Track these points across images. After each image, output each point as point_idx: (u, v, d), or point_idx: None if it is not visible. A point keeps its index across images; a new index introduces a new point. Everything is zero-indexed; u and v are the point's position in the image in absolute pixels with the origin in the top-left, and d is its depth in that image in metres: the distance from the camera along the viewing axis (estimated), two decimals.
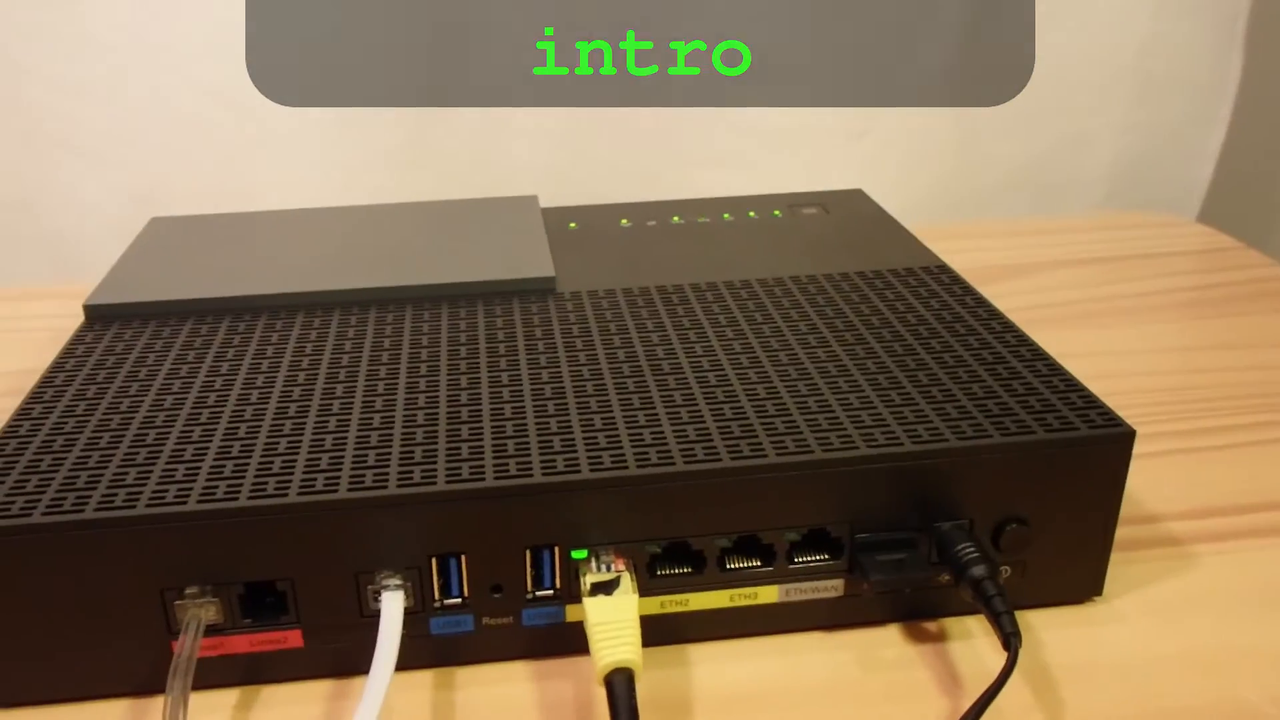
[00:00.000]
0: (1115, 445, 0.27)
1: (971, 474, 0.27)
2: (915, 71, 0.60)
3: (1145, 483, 0.33)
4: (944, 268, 0.38)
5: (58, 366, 0.32)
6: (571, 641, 0.27)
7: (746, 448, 0.27)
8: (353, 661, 0.27)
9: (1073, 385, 0.29)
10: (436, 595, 0.27)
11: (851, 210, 0.44)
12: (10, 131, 0.56)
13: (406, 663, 0.26)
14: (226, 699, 0.27)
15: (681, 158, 0.61)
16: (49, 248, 0.59)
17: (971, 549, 0.26)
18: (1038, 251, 0.54)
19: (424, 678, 0.27)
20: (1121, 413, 0.28)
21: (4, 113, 0.56)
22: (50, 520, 0.25)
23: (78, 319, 0.49)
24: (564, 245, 0.40)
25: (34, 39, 0.55)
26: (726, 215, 0.44)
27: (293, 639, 0.26)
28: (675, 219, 0.43)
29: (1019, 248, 0.54)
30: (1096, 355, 0.43)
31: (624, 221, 0.43)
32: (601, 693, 0.26)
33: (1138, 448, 0.27)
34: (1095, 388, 0.29)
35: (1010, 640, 0.24)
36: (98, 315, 0.36)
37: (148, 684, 0.26)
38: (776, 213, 0.44)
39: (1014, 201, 0.63)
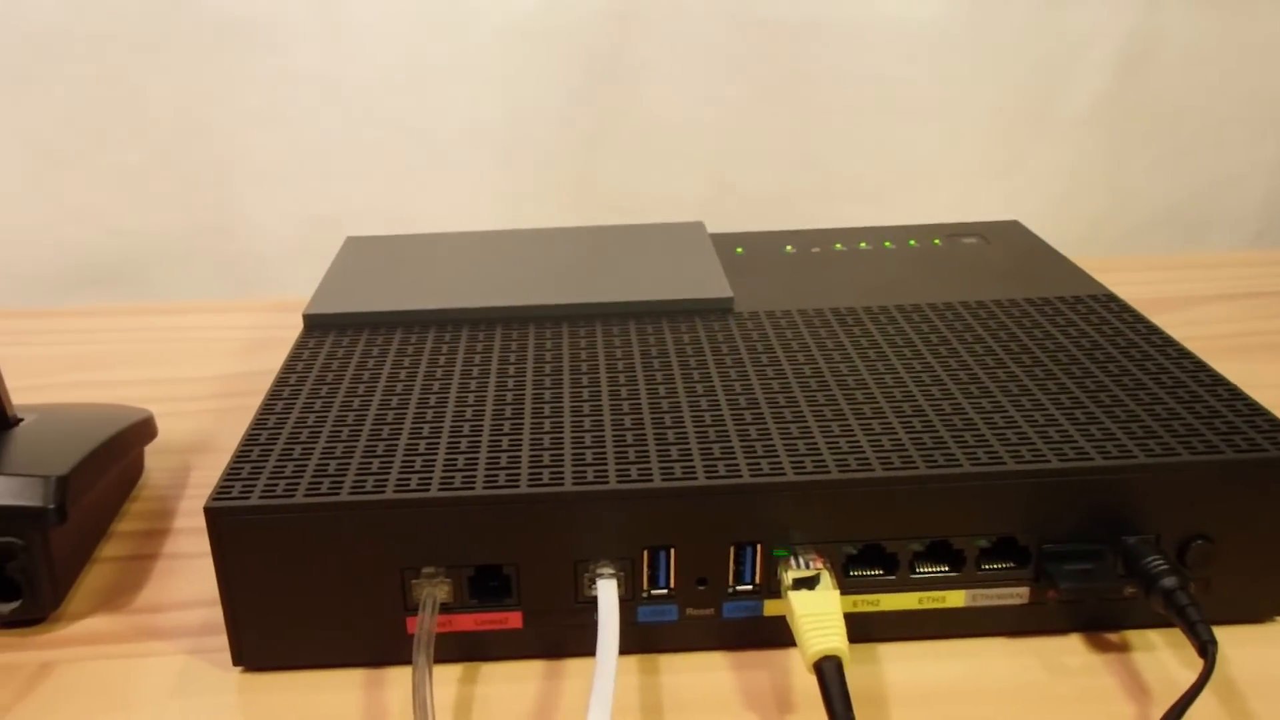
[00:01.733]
0: None
1: (1160, 490, 0.28)
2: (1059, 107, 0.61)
3: None
4: (1112, 296, 0.39)
5: (289, 369, 0.36)
6: (768, 635, 0.29)
7: (940, 457, 0.28)
8: (564, 644, 0.29)
9: (1257, 410, 0.30)
10: (645, 585, 0.29)
11: (1011, 241, 0.45)
12: (198, 157, 0.61)
13: None
14: (451, 673, 0.29)
15: (825, 190, 0.63)
16: (226, 265, 0.64)
17: (1161, 561, 0.27)
18: (1188, 286, 0.54)
19: (629, 663, 0.29)
20: None
21: (194, 139, 0.61)
22: (310, 501, 0.28)
23: (265, 329, 0.54)
24: (734, 268, 0.42)
25: (224, 73, 0.60)
26: (887, 243, 0.45)
27: (513, 620, 0.29)
28: (837, 246, 0.45)
29: (1169, 281, 0.54)
30: (1259, 388, 0.43)
31: (788, 248, 0.45)
32: (799, 683, 0.28)
33: None
34: None
35: (1207, 647, 0.25)
36: (315, 324, 0.39)
37: (381, 656, 0.29)
38: (936, 241, 0.45)
39: (1162, 238, 0.63)
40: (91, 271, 0.62)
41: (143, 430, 0.38)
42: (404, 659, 0.29)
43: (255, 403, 0.45)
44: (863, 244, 0.45)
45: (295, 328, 0.40)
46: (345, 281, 0.42)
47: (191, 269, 0.63)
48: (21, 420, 0.34)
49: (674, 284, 0.40)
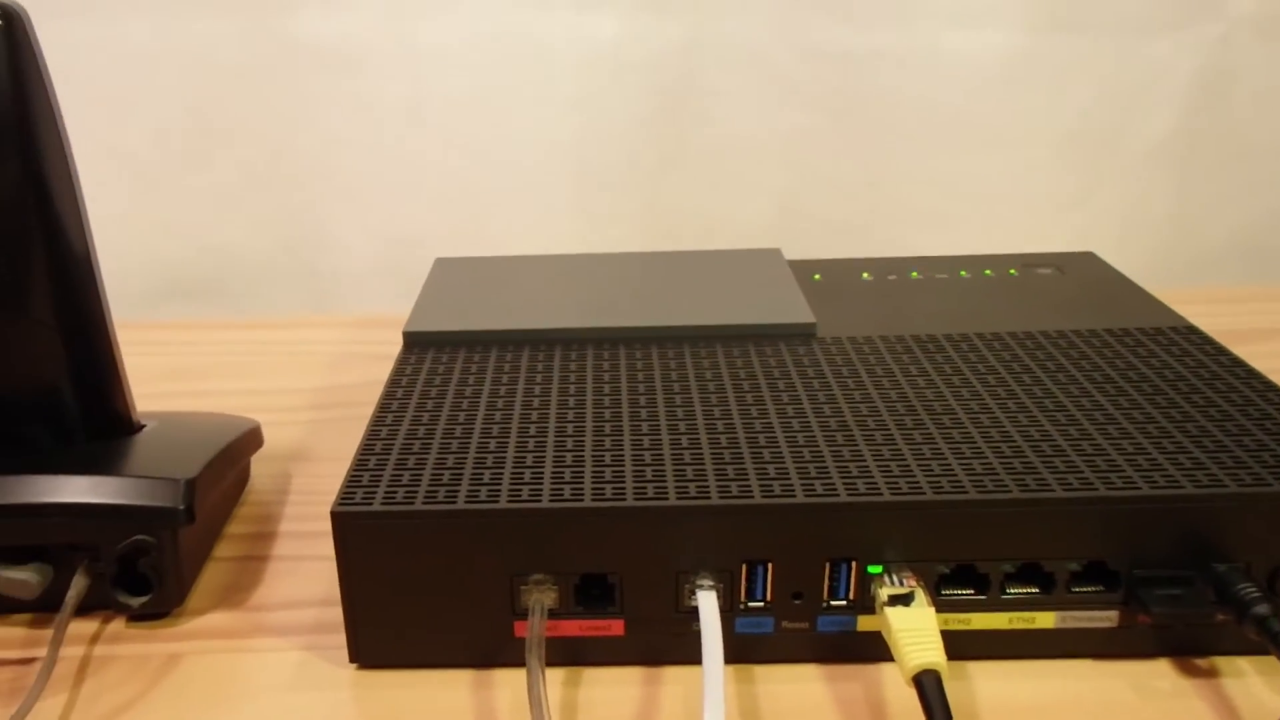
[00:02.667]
0: None
1: (1251, 520, 0.29)
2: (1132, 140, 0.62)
3: None
4: (1192, 328, 0.39)
5: (395, 383, 0.37)
6: (860, 650, 0.30)
7: (1032, 482, 0.29)
8: (663, 652, 0.30)
9: None
10: (742, 598, 0.30)
11: (1087, 271, 0.46)
12: (285, 178, 0.64)
13: None
14: (555, 676, 0.30)
15: (893, 217, 0.64)
16: (308, 282, 0.66)
17: (1253, 589, 0.28)
18: (1263, 318, 0.54)
19: (726, 672, 0.30)
20: None
21: (282, 162, 0.63)
22: (429, 509, 0.29)
23: (352, 344, 0.56)
24: (813, 295, 0.43)
25: (312, 98, 0.62)
26: (963, 272, 0.46)
27: (615, 627, 0.30)
28: (914, 274, 0.46)
29: (1243, 314, 0.54)
30: None
31: (865, 275, 0.47)
32: (893, 695, 0.29)
33: None
34: None
35: None
36: (414, 341, 0.41)
37: (489, 658, 0.30)
38: (1012, 271, 0.46)
39: (1229, 271, 0.63)
40: (182, 286, 0.65)
41: (252, 439, 0.40)
42: (510, 661, 0.30)
43: (349, 414, 0.47)
44: (939, 273, 0.46)
45: (381, 342, 0.42)
46: (440, 301, 0.44)
47: (275, 285, 0.65)
48: (144, 426, 0.36)
49: (758, 309, 0.41)
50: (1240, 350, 0.38)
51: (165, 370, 0.52)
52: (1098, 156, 0.62)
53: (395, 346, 0.41)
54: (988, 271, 0.46)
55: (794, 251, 0.49)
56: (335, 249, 0.65)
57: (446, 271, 0.48)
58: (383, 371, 0.38)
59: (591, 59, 0.61)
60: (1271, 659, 0.28)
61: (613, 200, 0.64)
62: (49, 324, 0.32)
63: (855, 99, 0.62)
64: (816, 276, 0.46)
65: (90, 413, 0.34)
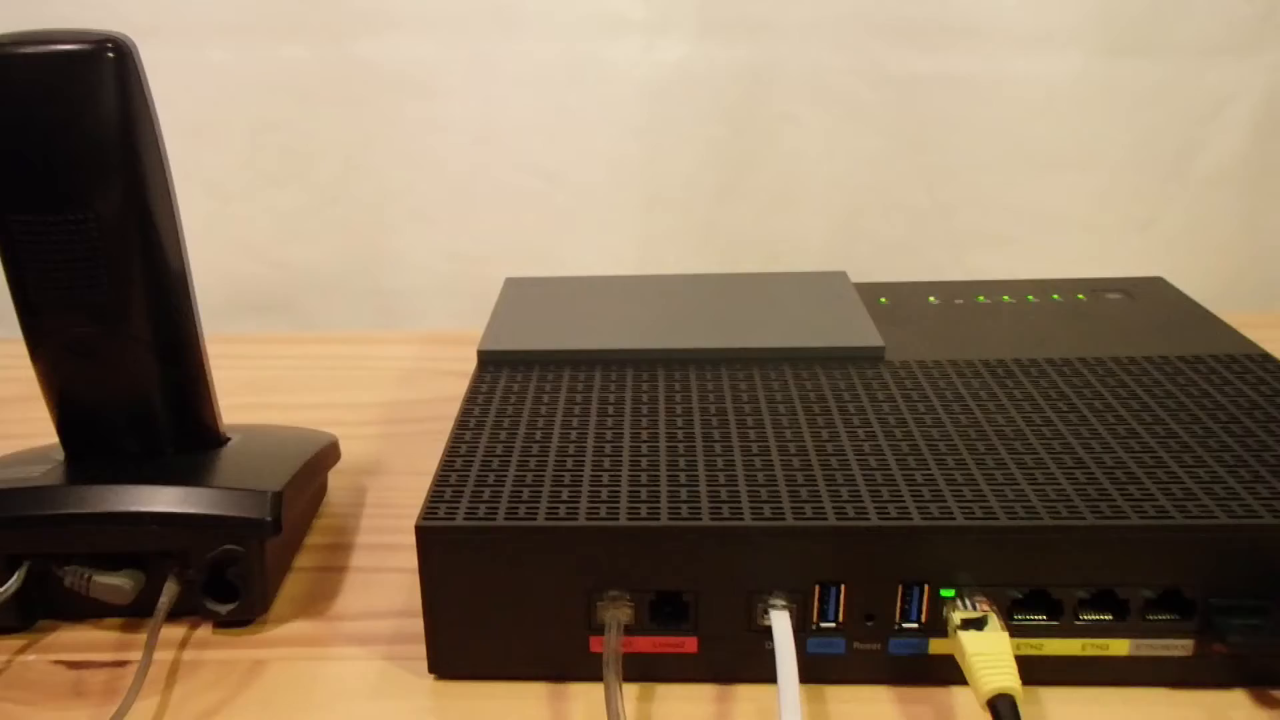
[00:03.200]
0: None
1: None
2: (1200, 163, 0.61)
3: None
4: (1267, 355, 0.39)
5: (471, 400, 0.38)
6: (931, 673, 0.30)
7: (1107, 509, 0.29)
8: (735, 670, 0.31)
9: None
10: (815, 619, 0.30)
11: (1156, 297, 0.46)
12: (355, 198, 0.65)
13: None
14: (628, 691, 0.31)
15: (956, 241, 0.64)
16: (373, 299, 0.68)
17: None
18: None
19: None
20: None
21: (353, 182, 0.65)
22: (510, 525, 0.30)
23: (418, 360, 0.57)
24: (880, 318, 0.44)
25: (382, 121, 0.64)
26: (1030, 297, 0.46)
27: (688, 645, 0.31)
28: (980, 298, 0.47)
29: None
30: None
31: (931, 299, 0.47)
32: (963, 719, 0.29)
33: None
34: None
35: None
36: (489, 360, 0.41)
37: (564, 671, 0.31)
38: (1080, 296, 0.46)
39: None
40: (253, 301, 0.67)
41: (331, 452, 0.41)
42: (584, 675, 0.31)
43: (420, 429, 0.49)
44: (1006, 297, 0.46)
45: (449, 359, 0.42)
46: (513, 320, 0.45)
47: (343, 301, 0.67)
48: (229, 439, 0.37)
49: (826, 332, 0.42)
50: None
51: (240, 383, 0.54)
52: (1166, 180, 0.61)
53: (463, 363, 0.42)
54: (1055, 296, 0.46)
55: (859, 274, 0.50)
56: (402, 267, 0.66)
57: (517, 291, 0.49)
58: (451, 387, 0.39)
59: (659, 82, 0.62)
60: None
61: (678, 221, 0.64)
62: (146, 341, 0.34)
63: (921, 122, 0.62)
64: (883, 300, 0.47)
65: (180, 425, 0.36)
